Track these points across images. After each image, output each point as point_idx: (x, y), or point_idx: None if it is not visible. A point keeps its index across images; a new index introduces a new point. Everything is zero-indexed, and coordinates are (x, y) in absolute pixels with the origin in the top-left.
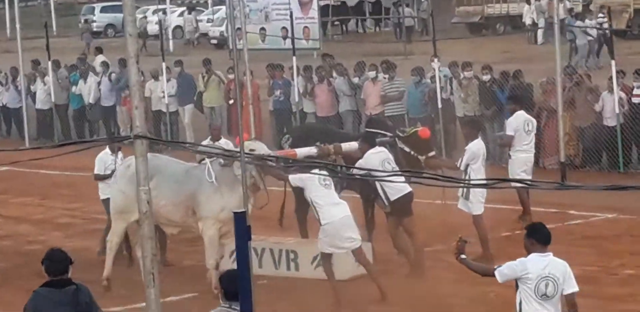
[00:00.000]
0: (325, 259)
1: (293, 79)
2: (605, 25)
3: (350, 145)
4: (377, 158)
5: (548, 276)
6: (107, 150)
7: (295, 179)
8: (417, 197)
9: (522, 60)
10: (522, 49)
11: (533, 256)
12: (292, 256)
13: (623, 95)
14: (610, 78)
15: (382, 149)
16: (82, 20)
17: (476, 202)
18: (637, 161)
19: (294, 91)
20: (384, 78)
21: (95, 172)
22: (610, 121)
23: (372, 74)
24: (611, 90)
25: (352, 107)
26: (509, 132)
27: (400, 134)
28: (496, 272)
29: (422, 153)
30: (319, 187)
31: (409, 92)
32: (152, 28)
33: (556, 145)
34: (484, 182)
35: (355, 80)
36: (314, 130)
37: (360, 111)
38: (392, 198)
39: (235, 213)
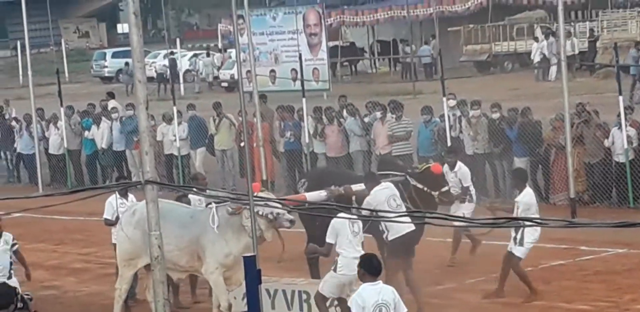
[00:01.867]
0: (320, 299)
1: (303, 120)
2: None
3: (362, 186)
4: (383, 194)
5: (381, 303)
6: (117, 194)
7: (329, 231)
8: (428, 235)
9: (530, 97)
10: (530, 86)
11: (365, 285)
12: (304, 296)
13: (632, 130)
14: (619, 114)
15: (389, 184)
16: (94, 66)
17: (526, 247)
18: None
19: (304, 132)
20: (392, 118)
21: (105, 216)
22: (620, 157)
23: (379, 114)
24: (620, 126)
25: (363, 147)
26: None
27: (413, 171)
28: None
29: (436, 189)
30: (348, 236)
31: (418, 131)
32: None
33: (565, 181)
34: (492, 221)
35: (366, 120)
36: (329, 174)
37: (371, 151)
38: (390, 238)
39: (245, 257)
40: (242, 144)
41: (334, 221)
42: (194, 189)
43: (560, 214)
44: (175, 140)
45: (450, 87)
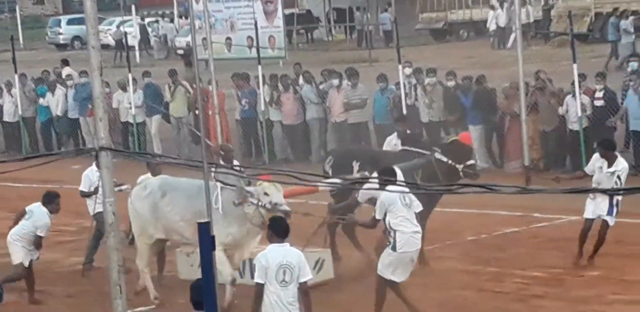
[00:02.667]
0: (382, 284)
1: (259, 88)
2: None
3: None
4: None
5: (285, 264)
6: (94, 167)
7: (378, 207)
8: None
9: (485, 65)
10: (486, 54)
11: (272, 246)
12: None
13: (586, 98)
14: (573, 82)
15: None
16: (49, 33)
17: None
18: None
19: (260, 100)
20: (348, 85)
21: (81, 188)
22: (574, 125)
23: (335, 82)
24: (574, 94)
25: (319, 114)
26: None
27: (437, 149)
28: (256, 276)
29: (461, 161)
30: (402, 209)
31: (374, 99)
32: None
33: (520, 149)
34: (446, 187)
35: (322, 87)
36: (356, 152)
37: (327, 119)
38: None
39: (199, 223)
40: (197, 112)
41: (383, 196)
42: (149, 156)
43: (515, 182)
44: (130, 107)
45: (407, 55)
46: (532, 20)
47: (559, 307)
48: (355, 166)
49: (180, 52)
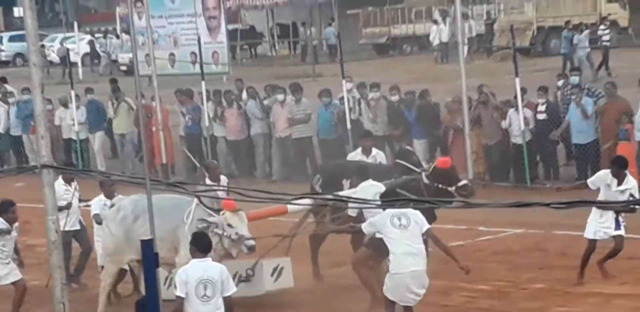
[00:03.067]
0: (387, 304)
1: (202, 104)
2: (606, 38)
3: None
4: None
5: (206, 279)
6: (61, 180)
7: (366, 227)
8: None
9: (429, 80)
10: (429, 68)
11: (193, 261)
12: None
13: (529, 112)
14: (515, 96)
15: (376, 182)
16: None
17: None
18: (543, 176)
19: (204, 116)
20: (292, 101)
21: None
22: (517, 138)
23: (279, 97)
24: (517, 108)
25: (263, 130)
26: None
27: (425, 173)
28: (177, 290)
29: (452, 184)
30: (393, 230)
31: (318, 114)
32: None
33: (464, 163)
34: (389, 203)
35: (265, 102)
36: (344, 167)
37: (272, 134)
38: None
39: (142, 241)
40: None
41: (374, 219)
42: (92, 173)
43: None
44: (73, 124)
45: (350, 69)
46: (474, 34)
47: None
48: (346, 184)
49: (124, 68)
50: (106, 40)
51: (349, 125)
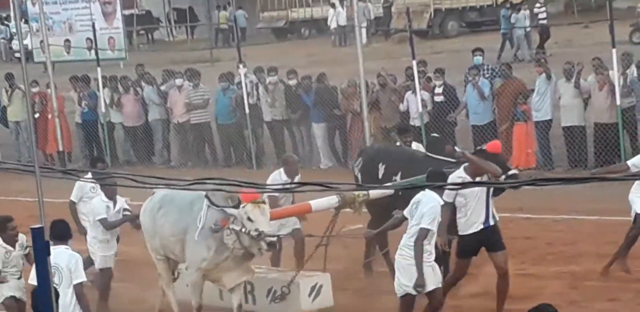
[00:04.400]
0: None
1: (99, 90)
2: (542, 15)
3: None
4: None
5: (54, 266)
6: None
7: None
8: None
9: (327, 63)
10: (327, 52)
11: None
12: (249, 288)
13: (426, 94)
14: (413, 78)
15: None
16: None
17: None
18: None
19: (101, 102)
20: (189, 86)
21: (72, 198)
22: (415, 121)
23: (179, 81)
24: (414, 91)
25: (161, 115)
26: None
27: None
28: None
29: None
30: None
31: (216, 99)
32: None
33: (363, 146)
34: (284, 188)
35: (163, 88)
36: (386, 152)
37: (169, 120)
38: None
39: (32, 229)
40: (36, 115)
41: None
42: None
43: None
44: None
45: (248, 54)
46: (372, 17)
47: None
48: (381, 168)
49: (18, 55)
50: (4, 27)
51: (247, 110)
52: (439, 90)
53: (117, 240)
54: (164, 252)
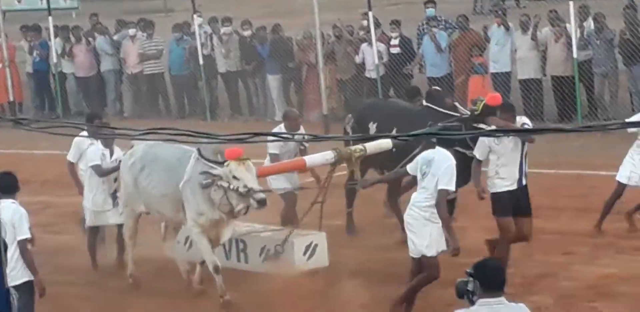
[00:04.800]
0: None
1: (50, 40)
2: None
3: (380, 144)
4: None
5: None
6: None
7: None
8: None
9: (282, 14)
10: (282, 2)
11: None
12: (241, 246)
13: (382, 46)
14: (369, 30)
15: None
16: None
17: None
18: None
19: (52, 52)
20: (143, 36)
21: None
22: (371, 73)
23: (132, 32)
24: (370, 42)
25: (114, 66)
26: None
27: (471, 114)
28: None
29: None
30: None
31: (170, 50)
32: None
33: (318, 98)
34: (237, 137)
35: (115, 38)
36: (379, 107)
37: (122, 70)
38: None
39: None
40: None
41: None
42: None
43: (314, 130)
44: None
45: (203, 4)
46: None
47: None
48: (372, 127)
49: None
50: None
51: (201, 61)
52: (395, 42)
53: (114, 197)
54: (146, 210)
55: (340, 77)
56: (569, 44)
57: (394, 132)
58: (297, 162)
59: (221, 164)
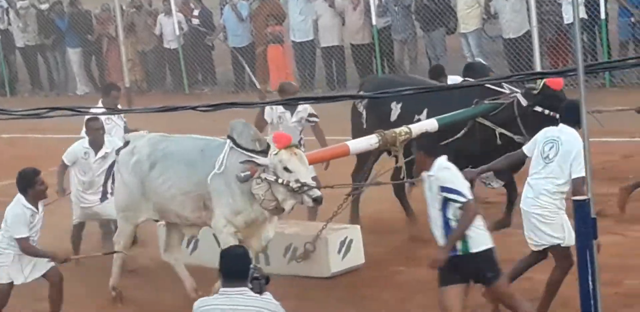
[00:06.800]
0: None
1: None
2: None
3: (428, 125)
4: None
5: None
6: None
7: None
8: None
9: None
10: None
11: None
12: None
13: (181, 16)
14: (167, 1)
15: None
16: None
17: None
18: (201, 82)
19: None
20: None
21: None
22: (171, 44)
23: None
24: (168, 13)
25: None
26: None
27: (527, 91)
28: None
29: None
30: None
31: None
32: None
33: (120, 71)
34: (77, 113)
35: None
36: (399, 85)
37: None
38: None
39: None
40: None
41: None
42: None
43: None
44: None
45: None
46: None
47: None
48: (396, 108)
49: None
50: None
51: None
52: (195, 12)
53: (105, 192)
54: (154, 216)
55: (141, 49)
56: (368, 11)
57: (424, 114)
58: (340, 148)
59: (260, 152)
